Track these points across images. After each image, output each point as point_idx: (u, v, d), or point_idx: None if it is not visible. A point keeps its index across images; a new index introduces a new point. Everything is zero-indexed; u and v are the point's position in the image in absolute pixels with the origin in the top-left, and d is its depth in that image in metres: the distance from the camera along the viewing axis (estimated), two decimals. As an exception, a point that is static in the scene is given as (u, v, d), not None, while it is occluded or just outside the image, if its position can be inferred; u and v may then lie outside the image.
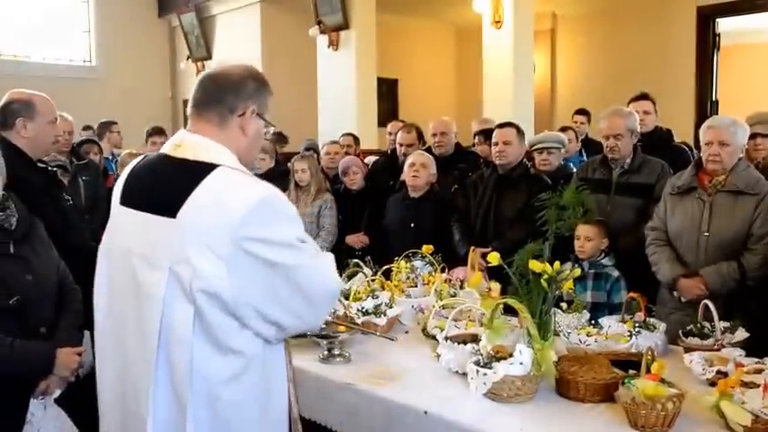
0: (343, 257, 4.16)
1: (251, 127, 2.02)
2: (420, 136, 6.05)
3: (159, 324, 1.80)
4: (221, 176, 1.85)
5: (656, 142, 4.82)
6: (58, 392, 2.65)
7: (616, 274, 3.78)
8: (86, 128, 8.58)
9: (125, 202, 2.00)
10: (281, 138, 9.30)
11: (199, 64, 12.05)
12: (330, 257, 2.11)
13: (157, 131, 7.51)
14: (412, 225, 4.97)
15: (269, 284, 1.82)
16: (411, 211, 5.04)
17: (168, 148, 2.00)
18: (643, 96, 5.17)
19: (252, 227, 1.77)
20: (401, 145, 5.90)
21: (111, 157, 7.39)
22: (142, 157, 2.12)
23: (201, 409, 1.81)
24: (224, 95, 1.98)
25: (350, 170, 5.74)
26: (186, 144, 1.96)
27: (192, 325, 1.78)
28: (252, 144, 2.05)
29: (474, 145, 6.11)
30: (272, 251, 1.80)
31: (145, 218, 1.89)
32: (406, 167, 5.11)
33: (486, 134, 5.55)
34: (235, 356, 1.84)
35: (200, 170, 1.86)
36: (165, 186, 1.90)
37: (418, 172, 5.01)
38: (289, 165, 5.95)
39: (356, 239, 5.51)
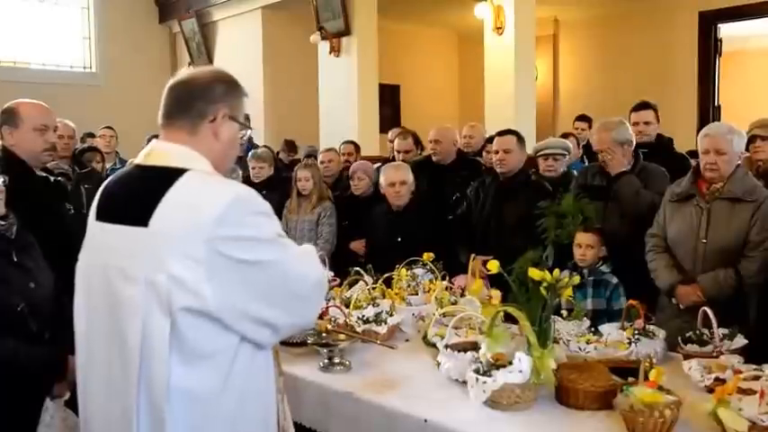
0: (345, 265, 4.17)
1: (224, 131, 1.96)
2: (417, 142, 6.03)
3: (140, 339, 1.75)
4: (190, 179, 1.81)
5: (658, 150, 4.80)
6: (68, 395, 2.70)
7: (615, 280, 3.80)
8: (89, 135, 8.56)
9: (100, 216, 1.95)
10: (291, 146, 9.32)
11: (200, 70, 12.05)
12: (312, 248, 2.09)
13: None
14: (399, 240, 4.79)
15: (251, 283, 1.77)
16: (396, 224, 4.91)
17: (140, 158, 1.96)
18: (644, 105, 5.04)
19: (226, 227, 1.73)
20: (398, 152, 5.88)
21: (118, 166, 7.21)
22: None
23: (180, 423, 1.75)
24: (192, 101, 1.93)
25: (355, 175, 5.69)
26: (156, 152, 1.92)
27: (169, 338, 1.72)
28: (226, 149, 1.99)
29: (483, 150, 6.01)
30: (251, 249, 1.76)
31: (119, 230, 1.85)
32: (385, 184, 4.96)
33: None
34: (212, 363, 1.78)
35: (169, 175, 1.82)
36: (135, 195, 1.86)
37: (399, 191, 4.90)
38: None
39: (360, 245, 5.42)
